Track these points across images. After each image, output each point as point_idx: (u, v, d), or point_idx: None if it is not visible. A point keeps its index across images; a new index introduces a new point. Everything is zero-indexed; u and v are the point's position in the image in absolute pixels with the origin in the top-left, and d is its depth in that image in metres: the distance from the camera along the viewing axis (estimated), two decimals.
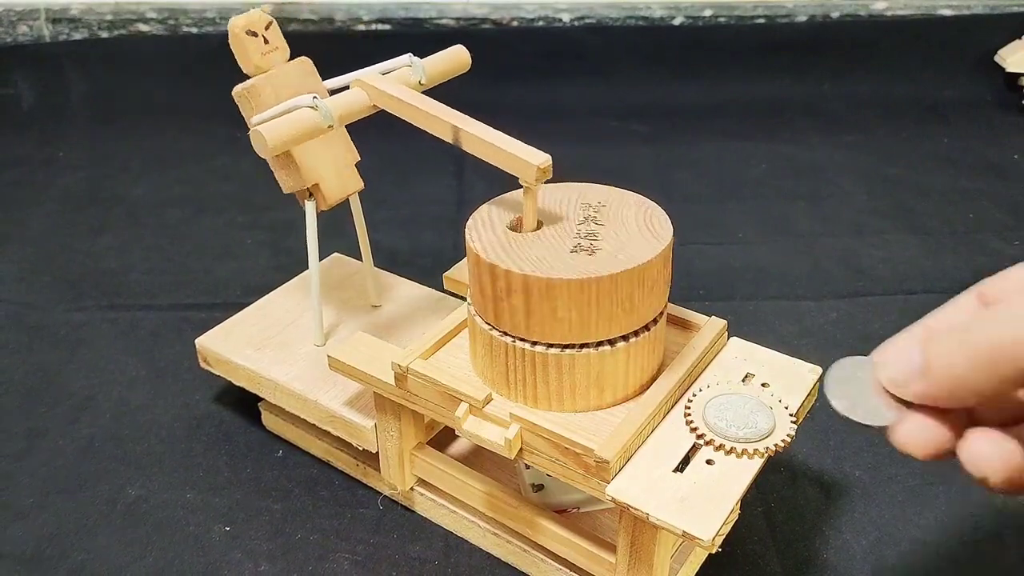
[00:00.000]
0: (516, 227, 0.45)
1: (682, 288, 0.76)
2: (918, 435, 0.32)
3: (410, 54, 0.54)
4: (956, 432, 0.32)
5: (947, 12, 1.26)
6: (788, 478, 0.58)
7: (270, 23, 0.53)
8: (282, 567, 0.52)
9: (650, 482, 0.41)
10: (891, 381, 0.33)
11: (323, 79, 0.55)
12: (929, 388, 0.32)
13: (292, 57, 0.55)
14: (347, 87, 0.52)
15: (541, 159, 0.44)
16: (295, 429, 0.60)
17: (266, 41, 0.53)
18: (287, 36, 0.55)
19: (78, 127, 1.10)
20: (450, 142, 0.48)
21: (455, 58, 0.57)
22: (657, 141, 1.07)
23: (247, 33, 0.52)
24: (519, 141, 0.45)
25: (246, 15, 0.53)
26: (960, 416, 0.32)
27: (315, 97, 0.49)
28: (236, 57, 0.53)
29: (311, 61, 0.55)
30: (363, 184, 0.58)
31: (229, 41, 0.53)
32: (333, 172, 0.56)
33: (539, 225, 0.45)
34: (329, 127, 0.49)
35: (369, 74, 0.52)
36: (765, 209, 0.92)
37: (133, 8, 1.21)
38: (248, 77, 0.53)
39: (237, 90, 0.53)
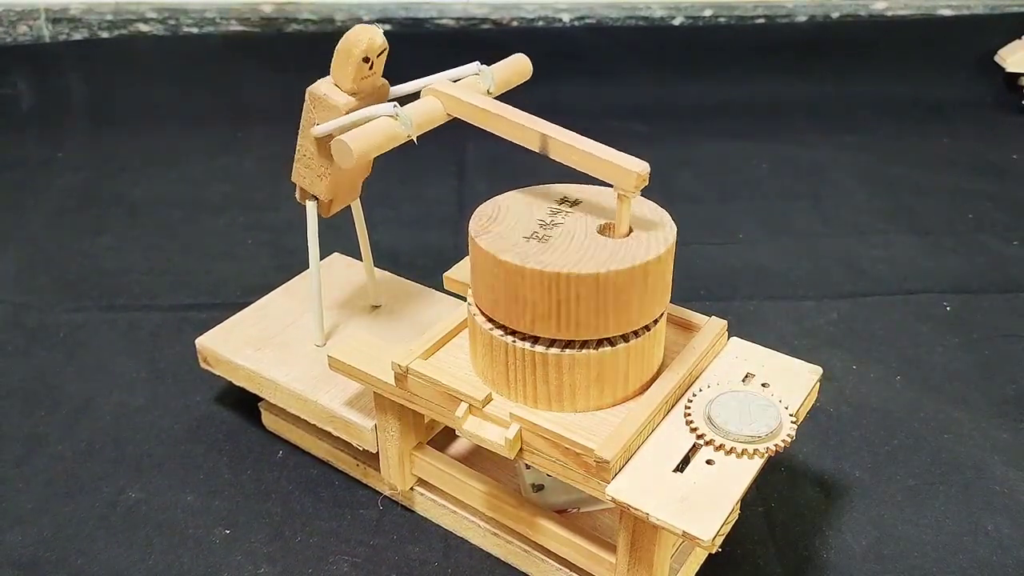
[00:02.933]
0: (607, 231, 0.45)
1: (682, 288, 0.76)
2: None
3: (477, 63, 0.53)
4: None
5: (947, 12, 1.26)
6: (788, 478, 0.58)
7: (384, 51, 0.50)
8: (282, 569, 0.52)
9: (650, 482, 0.41)
10: None
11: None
12: None
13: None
14: (412, 96, 0.50)
15: (640, 167, 0.42)
16: (295, 429, 0.60)
17: (372, 67, 0.50)
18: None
19: (78, 127, 1.10)
20: (536, 151, 0.46)
21: (519, 66, 0.55)
22: (657, 141, 1.07)
23: (363, 59, 0.49)
24: (612, 148, 0.43)
25: (369, 36, 0.48)
26: None
27: (395, 105, 0.47)
28: (333, 66, 0.50)
29: (389, 85, 0.52)
30: (361, 191, 0.58)
31: (338, 50, 0.49)
32: (347, 188, 0.56)
33: (630, 231, 0.44)
34: (408, 137, 0.47)
35: (439, 82, 0.50)
36: (765, 209, 0.92)
37: (133, 8, 1.21)
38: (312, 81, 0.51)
39: (318, 92, 0.50)
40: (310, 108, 0.52)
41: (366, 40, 0.48)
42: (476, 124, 0.48)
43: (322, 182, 0.54)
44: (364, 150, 0.46)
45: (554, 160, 0.45)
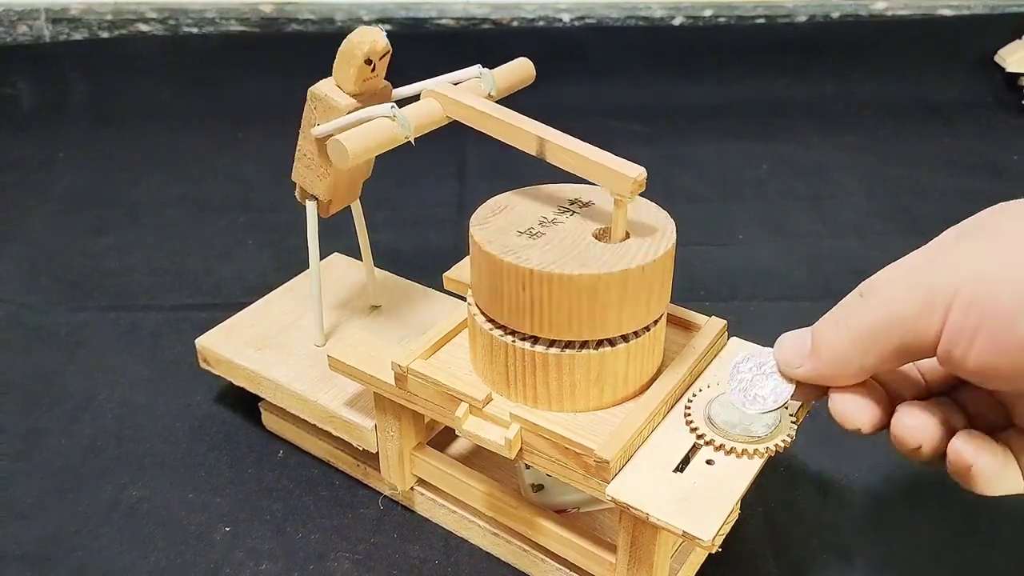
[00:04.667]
0: (603, 236, 0.45)
1: (682, 288, 0.76)
2: (854, 409, 0.40)
3: (479, 65, 0.52)
4: (884, 410, 0.40)
5: (947, 12, 1.26)
6: (788, 478, 0.58)
7: (387, 54, 0.50)
8: (283, 566, 0.52)
9: (650, 482, 0.41)
10: (784, 363, 0.41)
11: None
12: (817, 367, 0.39)
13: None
14: (412, 97, 0.50)
15: (637, 172, 0.42)
16: (295, 429, 0.60)
17: (374, 69, 0.49)
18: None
19: (78, 127, 1.10)
20: (533, 154, 0.46)
21: (523, 69, 0.55)
22: (657, 141, 1.07)
23: (365, 62, 0.49)
24: (609, 153, 0.43)
25: (372, 38, 0.48)
26: (883, 396, 0.40)
27: (393, 107, 0.47)
28: (335, 68, 0.50)
29: (391, 87, 0.52)
30: (361, 191, 0.58)
31: (341, 52, 0.49)
32: (346, 189, 0.56)
33: (626, 236, 0.44)
34: (407, 138, 0.47)
35: (440, 84, 0.50)
36: (765, 209, 0.92)
37: (133, 8, 1.21)
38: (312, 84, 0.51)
39: (319, 91, 0.50)
40: (311, 108, 0.52)
41: (369, 43, 0.48)
42: (474, 127, 0.48)
43: (322, 182, 0.54)
44: (360, 151, 0.46)
45: (551, 164, 0.45)
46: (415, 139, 0.48)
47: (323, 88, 0.51)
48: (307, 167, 0.54)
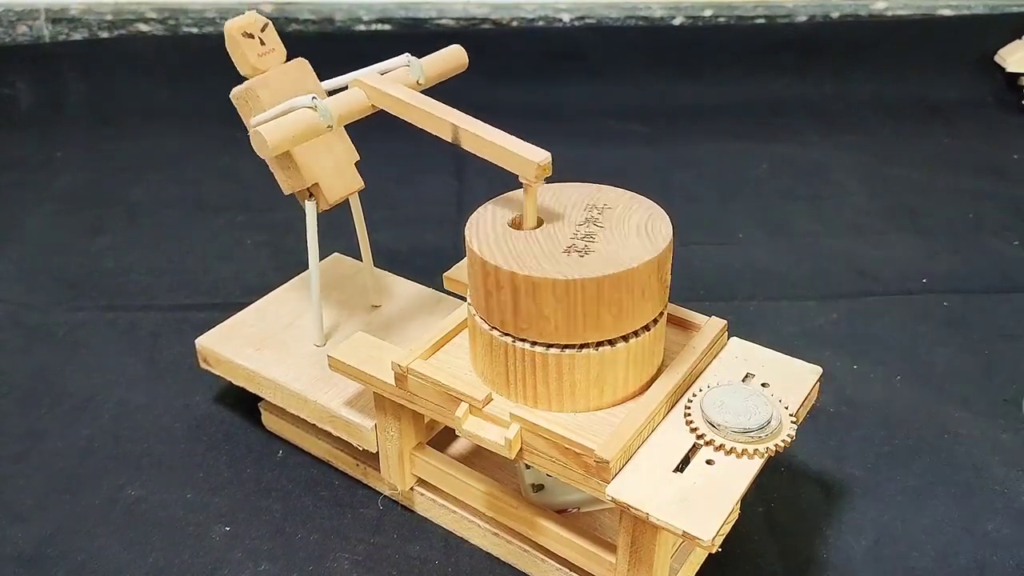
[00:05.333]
0: (517, 224, 0.45)
1: (682, 288, 0.76)
2: None
3: (407, 54, 0.55)
4: None
5: (947, 12, 1.26)
6: (788, 478, 0.58)
7: (266, 25, 0.53)
8: (282, 567, 0.52)
9: (650, 482, 0.41)
10: None
11: (324, 79, 0.55)
12: None
13: (290, 58, 0.55)
14: (346, 87, 0.52)
15: (540, 156, 0.44)
16: (295, 429, 0.60)
17: (262, 43, 0.53)
18: (287, 36, 0.55)
19: (77, 127, 1.10)
20: (449, 141, 0.48)
21: (453, 57, 0.57)
22: (657, 141, 1.06)
23: (243, 35, 0.52)
24: (518, 139, 0.45)
25: (241, 17, 0.53)
26: None
27: (314, 97, 0.49)
28: (233, 59, 0.53)
29: (308, 62, 0.55)
30: (363, 184, 0.58)
31: (226, 44, 0.53)
32: (333, 172, 0.56)
33: (539, 223, 0.45)
34: (328, 127, 0.49)
35: (367, 74, 0.52)
36: (765, 209, 0.92)
37: (133, 8, 1.21)
38: (245, 80, 0.53)
39: (235, 92, 0.53)
40: (242, 111, 0.54)
41: (240, 20, 0.52)
42: (396, 115, 0.50)
43: (298, 172, 0.54)
44: (279, 140, 0.48)
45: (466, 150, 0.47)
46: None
47: (238, 88, 0.53)
48: (279, 168, 0.55)
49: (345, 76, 0.53)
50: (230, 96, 0.53)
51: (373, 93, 0.51)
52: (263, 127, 0.47)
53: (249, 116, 0.53)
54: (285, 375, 0.57)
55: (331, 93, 0.53)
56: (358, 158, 0.58)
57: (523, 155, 0.44)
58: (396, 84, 0.51)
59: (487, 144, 0.46)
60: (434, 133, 0.48)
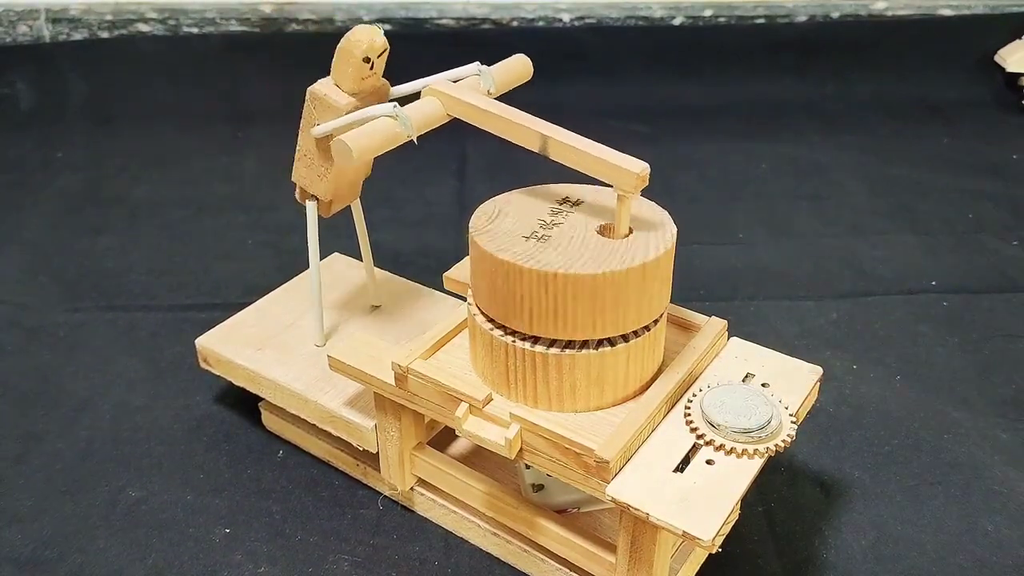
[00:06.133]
0: (606, 232, 0.45)
1: (682, 288, 0.76)
2: None
3: (477, 63, 0.53)
4: None
5: (947, 12, 1.26)
6: (788, 478, 0.58)
7: (385, 52, 0.50)
8: (282, 568, 0.52)
9: (650, 482, 0.41)
10: None
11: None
12: None
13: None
14: (415, 95, 0.50)
15: (639, 167, 0.42)
16: (295, 429, 0.60)
17: (372, 67, 0.50)
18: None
19: (77, 127, 1.10)
20: (536, 151, 0.46)
21: (520, 66, 0.55)
22: (658, 141, 1.07)
23: (364, 60, 0.49)
24: (611, 149, 0.44)
25: (370, 36, 0.49)
26: None
27: (395, 105, 0.47)
28: (334, 67, 0.50)
29: (389, 86, 0.53)
30: (361, 190, 0.58)
31: (339, 51, 0.49)
32: (347, 189, 0.56)
33: (630, 231, 0.44)
34: (408, 137, 0.47)
35: (440, 82, 0.50)
36: (766, 209, 0.92)
37: (133, 8, 1.21)
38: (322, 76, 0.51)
39: (319, 92, 0.50)
40: (311, 108, 0.51)
41: (367, 41, 0.48)
42: (476, 124, 0.48)
43: (322, 182, 0.54)
44: (364, 150, 0.46)
45: (553, 160, 0.45)
46: (416, 137, 0.48)
47: (322, 87, 0.51)
48: (307, 167, 0.54)
49: (413, 83, 0.51)
50: (310, 88, 0.50)
51: (451, 102, 0.48)
52: (347, 136, 0.45)
53: (310, 115, 0.51)
54: (285, 375, 0.57)
55: (400, 100, 0.50)
56: (369, 174, 0.57)
57: (621, 166, 0.43)
58: (474, 92, 0.49)
59: (580, 154, 0.44)
60: (518, 143, 0.46)
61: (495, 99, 0.50)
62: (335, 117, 0.50)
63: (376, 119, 0.47)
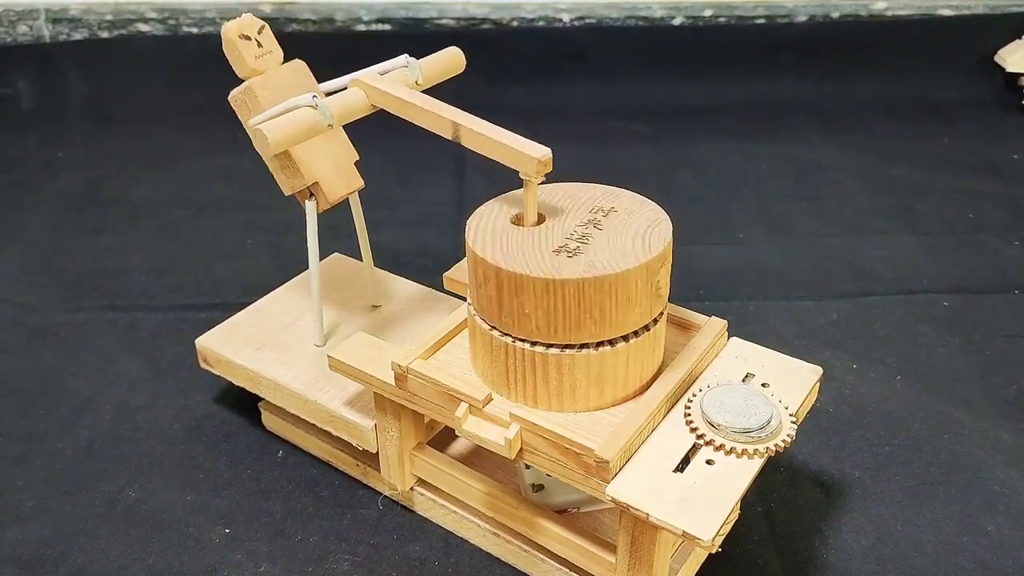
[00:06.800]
0: (519, 221, 0.46)
1: (682, 288, 0.76)
2: None
3: (406, 55, 0.55)
4: None
5: (947, 12, 1.26)
6: (788, 478, 0.58)
7: (262, 27, 0.54)
8: (282, 568, 0.52)
9: (650, 482, 0.41)
10: None
11: (324, 79, 0.55)
12: None
13: (288, 60, 0.55)
14: (344, 88, 0.53)
15: (540, 152, 0.44)
16: (295, 429, 0.60)
17: (259, 45, 0.53)
18: (288, 36, 0.55)
19: (78, 127, 1.10)
20: (450, 139, 0.48)
21: (451, 59, 0.57)
22: (658, 141, 1.07)
23: (240, 37, 0.52)
24: (518, 135, 0.45)
25: (238, 20, 0.53)
26: None
27: (315, 96, 0.49)
28: (231, 62, 0.53)
29: (305, 64, 0.56)
30: (363, 183, 0.58)
31: (223, 47, 0.53)
32: (332, 171, 0.56)
33: (540, 220, 0.45)
34: (328, 126, 0.50)
35: (367, 75, 0.53)
36: (765, 209, 0.92)
37: (133, 8, 1.21)
38: (243, 82, 0.53)
39: (234, 94, 0.53)
40: (241, 111, 0.54)
41: (235, 22, 0.52)
42: (397, 114, 0.50)
43: (298, 171, 0.54)
44: (281, 138, 0.48)
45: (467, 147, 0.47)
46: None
47: (236, 89, 0.53)
48: (278, 167, 0.55)
49: (344, 77, 0.54)
50: (229, 98, 0.53)
51: (373, 92, 0.51)
52: (264, 125, 0.48)
53: (248, 117, 0.53)
54: (285, 375, 0.57)
55: (330, 94, 0.53)
56: (357, 158, 0.58)
57: (523, 151, 0.44)
58: (396, 83, 0.51)
59: (487, 141, 0.46)
60: (434, 131, 0.49)
61: (422, 91, 0.52)
62: (257, 106, 0.53)
63: (298, 109, 0.49)
